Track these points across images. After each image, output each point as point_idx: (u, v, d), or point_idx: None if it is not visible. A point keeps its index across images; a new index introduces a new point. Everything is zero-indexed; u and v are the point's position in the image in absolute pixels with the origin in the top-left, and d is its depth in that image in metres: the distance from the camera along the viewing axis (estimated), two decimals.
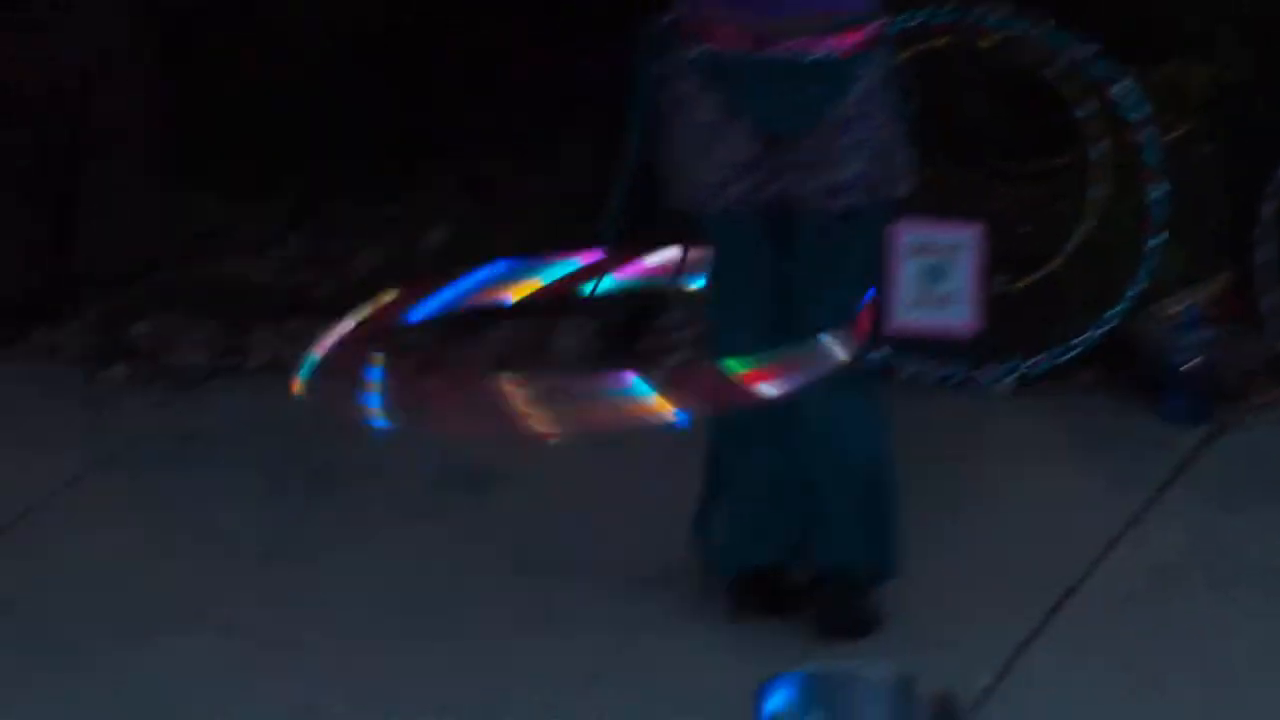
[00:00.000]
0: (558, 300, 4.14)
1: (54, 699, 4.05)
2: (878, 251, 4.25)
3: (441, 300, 3.80)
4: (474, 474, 4.89)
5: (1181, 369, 5.17)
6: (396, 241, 6.58)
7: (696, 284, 4.10)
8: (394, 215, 6.71)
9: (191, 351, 5.98)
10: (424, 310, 3.78)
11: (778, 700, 3.40)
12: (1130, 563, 4.47)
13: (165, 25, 6.44)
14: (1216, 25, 5.54)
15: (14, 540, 4.80)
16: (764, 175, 3.99)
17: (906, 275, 5.54)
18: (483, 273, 3.82)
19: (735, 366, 3.53)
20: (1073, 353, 5.27)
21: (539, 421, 3.31)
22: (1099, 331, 5.28)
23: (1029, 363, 5.27)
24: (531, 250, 6.06)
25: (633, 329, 5.76)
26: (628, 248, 3.95)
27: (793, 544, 4.17)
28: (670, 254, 4.00)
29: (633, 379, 3.42)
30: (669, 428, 3.41)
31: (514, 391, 3.33)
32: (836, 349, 3.66)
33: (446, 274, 3.85)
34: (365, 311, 3.69)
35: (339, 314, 5.90)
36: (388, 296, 3.74)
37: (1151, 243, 5.28)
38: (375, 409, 3.45)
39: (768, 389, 3.52)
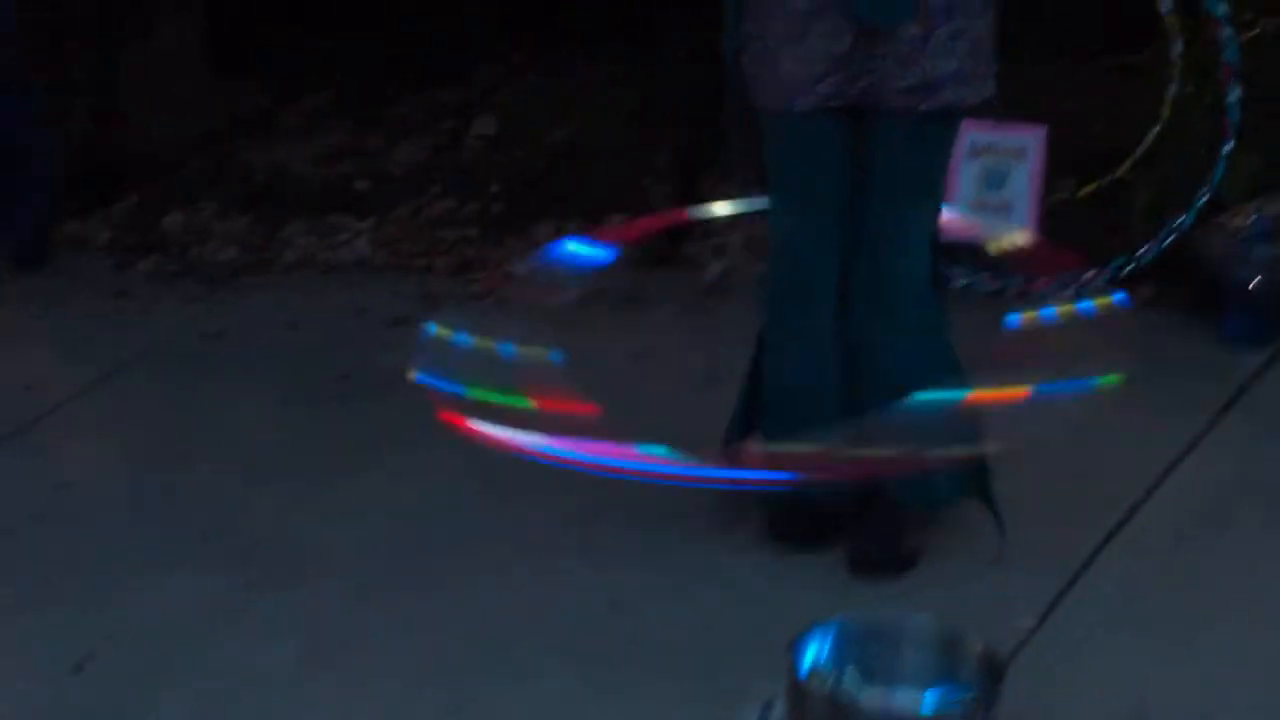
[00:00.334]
0: None
1: (56, 618, 3.91)
2: (950, 157, 3.96)
3: None
4: None
5: (1246, 286, 4.91)
6: (444, 133, 6.42)
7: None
8: (444, 102, 6.54)
9: (222, 247, 5.84)
10: None
11: (813, 653, 3.24)
12: (1183, 496, 4.24)
13: None
14: None
15: (32, 441, 4.69)
16: (856, 70, 3.74)
17: (965, 177, 5.32)
18: None
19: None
20: (1132, 266, 5.00)
21: None
22: (1161, 244, 5.02)
23: (1087, 275, 4.97)
24: (583, 145, 6.04)
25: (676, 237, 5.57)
26: None
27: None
28: None
29: None
30: None
31: None
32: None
33: None
34: None
35: (376, 210, 5.89)
36: None
37: (1224, 149, 4.98)
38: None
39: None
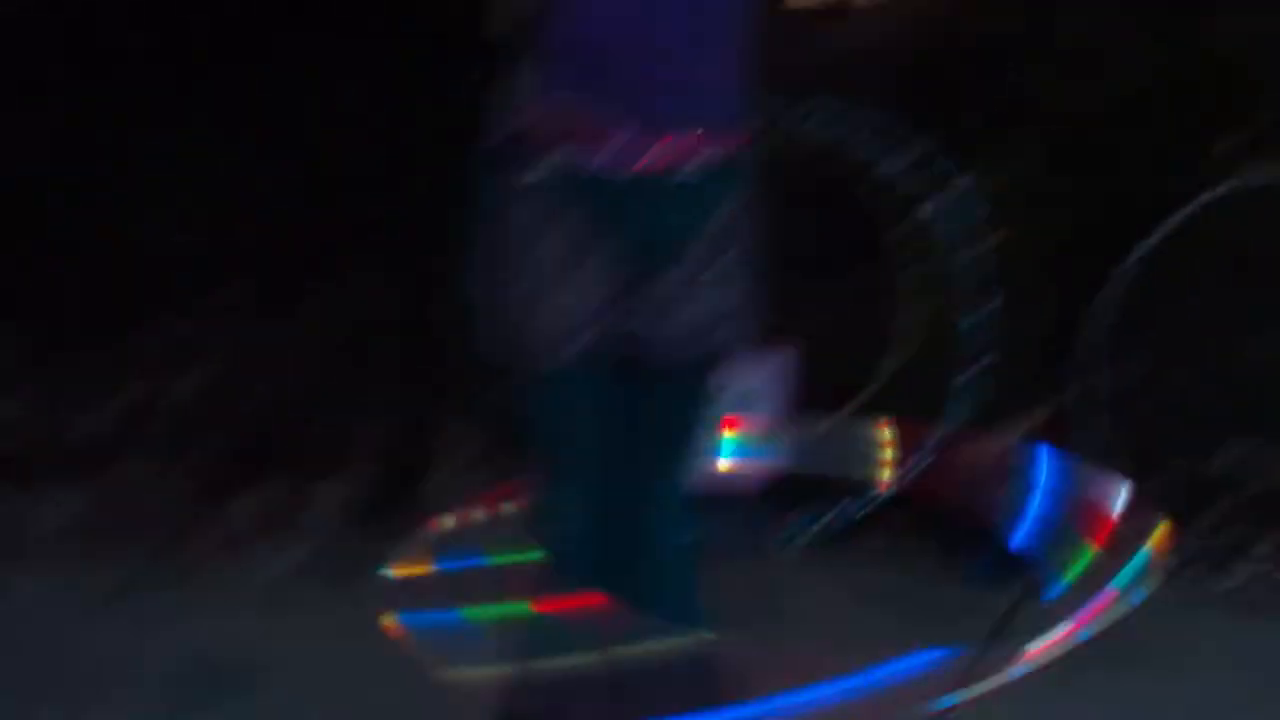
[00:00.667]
0: None
1: None
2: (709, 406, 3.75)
3: None
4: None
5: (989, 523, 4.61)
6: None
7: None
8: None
9: None
10: None
11: None
12: None
13: None
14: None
15: None
16: (617, 319, 3.53)
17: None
18: None
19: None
20: (866, 509, 4.79)
21: None
22: (900, 480, 4.75)
23: (822, 519, 4.73)
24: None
25: None
26: None
27: None
28: None
29: None
30: None
31: None
32: None
33: None
34: None
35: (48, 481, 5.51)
36: None
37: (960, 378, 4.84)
38: None
39: None
